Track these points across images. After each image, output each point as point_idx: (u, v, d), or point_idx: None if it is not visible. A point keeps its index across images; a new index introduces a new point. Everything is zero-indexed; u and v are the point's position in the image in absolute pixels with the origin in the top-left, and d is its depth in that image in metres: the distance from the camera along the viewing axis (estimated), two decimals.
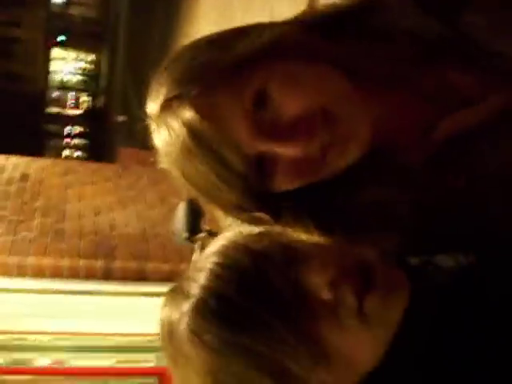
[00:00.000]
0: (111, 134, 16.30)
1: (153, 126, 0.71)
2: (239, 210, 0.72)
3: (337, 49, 0.69)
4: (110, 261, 3.57)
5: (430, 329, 0.64)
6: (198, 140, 0.65)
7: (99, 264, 3.54)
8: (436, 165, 0.72)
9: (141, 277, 3.58)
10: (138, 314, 3.19)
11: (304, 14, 0.74)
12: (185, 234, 3.67)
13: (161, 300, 0.70)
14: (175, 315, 0.65)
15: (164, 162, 0.72)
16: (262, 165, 0.67)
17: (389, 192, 0.72)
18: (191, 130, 0.65)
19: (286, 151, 0.66)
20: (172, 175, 0.72)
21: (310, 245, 0.68)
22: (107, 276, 3.54)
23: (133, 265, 3.61)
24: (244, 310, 0.61)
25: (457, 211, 0.71)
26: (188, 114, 0.65)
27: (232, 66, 0.66)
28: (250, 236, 0.67)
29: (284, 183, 0.70)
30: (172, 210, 4.24)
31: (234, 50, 0.67)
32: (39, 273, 3.42)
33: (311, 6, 0.74)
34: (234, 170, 0.67)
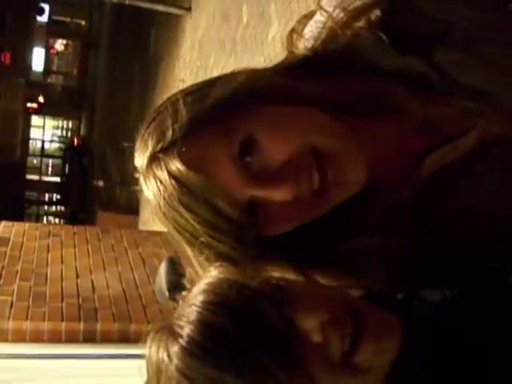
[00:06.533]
0: (90, 199, 16.26)
1: (141, 179, 0.71)
2: (228, 261, 0.70)
3: (316, 88, 0.71)
4: (92, 323, 3.55)
5: (418, 363, 0.64)
6: (186, 190, 0.65)
7: (81, 327, 3.51)
8: (423, 201, 0.73)
9: (123, 338, 3.55)
10: (121, 377, 3.14)
11: (283, 60, 0.76)
12: (167, 293, 3.67)
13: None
14: (163, 356, 0.63)
15: (155, 214, 0.71)
16: (254, 210, 0.67)
17: (378, 235, 0.73)
18: (179, 181, 0.65)
19: (276, 195, 0.65)
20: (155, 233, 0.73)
21: (298, 286, 0.68)
22: (89, 339, 3.51)
23: (115, 326, 3.58)
24: (239, 348, 0.59)
25: (442, 245, 0.72)
26: (175, 165, 0.65)
27: (214, 115, 0.67)
28: (238, 274, 0.66)
29: (277, 226, 0.69)
30: (152, 271, 4.25)
31: (213, 98, 0.68)
32: (20, 337, 3.39)
33: (290, 51, 0.77)
34: (226, 218, 0.66)
